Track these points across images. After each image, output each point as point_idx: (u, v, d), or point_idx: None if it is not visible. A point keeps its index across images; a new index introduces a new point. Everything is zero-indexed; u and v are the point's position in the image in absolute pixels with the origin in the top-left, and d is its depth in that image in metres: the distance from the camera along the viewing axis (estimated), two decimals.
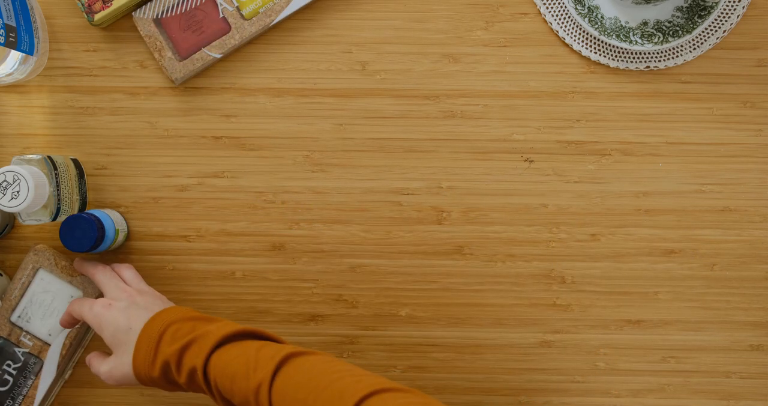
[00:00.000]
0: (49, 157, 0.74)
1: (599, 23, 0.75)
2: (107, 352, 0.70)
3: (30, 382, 0.76)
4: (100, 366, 0.69)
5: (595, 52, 0.77)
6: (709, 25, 0.76)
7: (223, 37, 0.76)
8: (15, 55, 0.74)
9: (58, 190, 0.73)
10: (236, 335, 0.65)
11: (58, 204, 0.73)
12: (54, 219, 0.74)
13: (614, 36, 0.75)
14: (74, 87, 0.79)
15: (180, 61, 0.77)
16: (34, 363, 0.76)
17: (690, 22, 0.75)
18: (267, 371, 0.60)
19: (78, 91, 0.79)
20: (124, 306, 0.69)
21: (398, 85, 0.78)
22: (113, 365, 0.68)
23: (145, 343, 0.65)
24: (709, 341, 0.79)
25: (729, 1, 0.76)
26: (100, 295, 0.75)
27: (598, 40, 0.77)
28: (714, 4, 0.74)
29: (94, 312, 0.69)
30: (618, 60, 0.77)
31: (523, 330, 0.79)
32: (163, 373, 0.65)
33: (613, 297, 0.79)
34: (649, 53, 0.77)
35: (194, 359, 0.63)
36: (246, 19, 0.76)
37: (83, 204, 0.78)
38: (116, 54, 0.79)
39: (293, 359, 0.62)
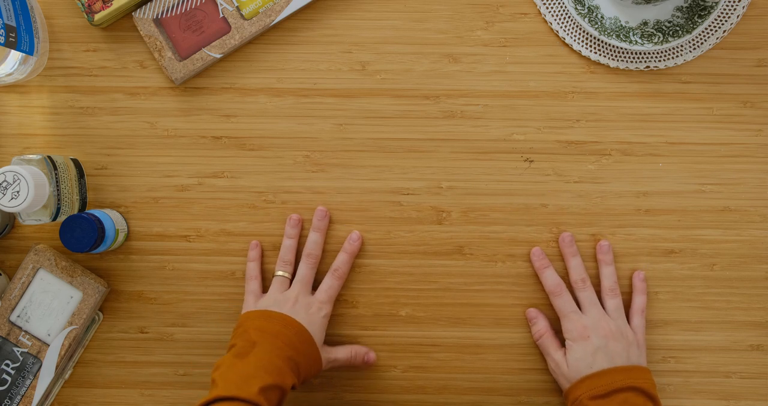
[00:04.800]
0: (49, 157, 0.74)
1: (599, 23, 0.75)
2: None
3: (28, 382, 0.76)
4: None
5: (595, 52, 0.77)
6: (709, 25, 0.76)
7: (223, 37, 0.76)
8: (15, 55, 0.74)
9: (58, 190, 0.73)
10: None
11: (58, 204, 0.73)
12: (54, 219, 0.73)
13: (614, 36, 0.75)
14: (74, 87, 0.79)
15: (180, 61, 0.77)
16: (33, 363, 0.76)
17: (690, 22, 0.75)
18: None
19: (78, 91, 0.79)
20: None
21: (398, 85, 0.78)
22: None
23: None
24: (709, 341, 0.79)
25: (729, 1, 0.76)
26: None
27: (598, 40, 0.77)
28: (714, 4, 0.74)
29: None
30: (618, 60, 0.77)
31: (523, 330, 0.79)
32: None
33: None
34: (649, 53, 0.77)
35: None
36: (246, 19, 0.76)
37: (83, 204, 0.78)
38: (116, 54, 0.79)
39: None
